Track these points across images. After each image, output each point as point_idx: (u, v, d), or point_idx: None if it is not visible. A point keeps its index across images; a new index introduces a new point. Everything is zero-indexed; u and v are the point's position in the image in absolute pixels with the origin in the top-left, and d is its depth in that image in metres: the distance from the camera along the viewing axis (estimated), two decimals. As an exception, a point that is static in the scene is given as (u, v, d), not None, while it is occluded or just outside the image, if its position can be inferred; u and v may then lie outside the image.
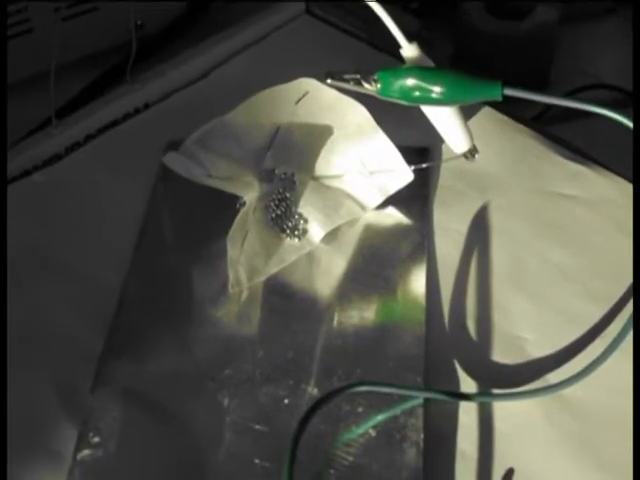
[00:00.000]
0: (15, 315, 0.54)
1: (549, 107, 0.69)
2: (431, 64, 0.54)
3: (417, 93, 0.52)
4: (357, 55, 0.69)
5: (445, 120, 0.56)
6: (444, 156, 0.61)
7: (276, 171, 0.58)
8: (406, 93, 0.52)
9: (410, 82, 0.52)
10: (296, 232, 0.56)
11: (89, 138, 0.66)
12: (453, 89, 0.51)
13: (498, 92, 0.51)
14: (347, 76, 0.53)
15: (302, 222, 0.56)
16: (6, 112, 0.63)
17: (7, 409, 0.47)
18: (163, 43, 0.77)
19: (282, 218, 0.56)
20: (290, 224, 0.56)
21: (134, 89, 0.69)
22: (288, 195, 0.57)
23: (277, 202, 0.56)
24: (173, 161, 0.60)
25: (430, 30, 0.75)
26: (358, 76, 0.53)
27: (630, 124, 0.50)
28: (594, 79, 0.74)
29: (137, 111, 0.68)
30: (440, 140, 0.59)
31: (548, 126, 0.66)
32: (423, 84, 0.52)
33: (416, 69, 0.53)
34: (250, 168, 0.59)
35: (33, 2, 0.71)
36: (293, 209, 0.56)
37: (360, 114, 0.57)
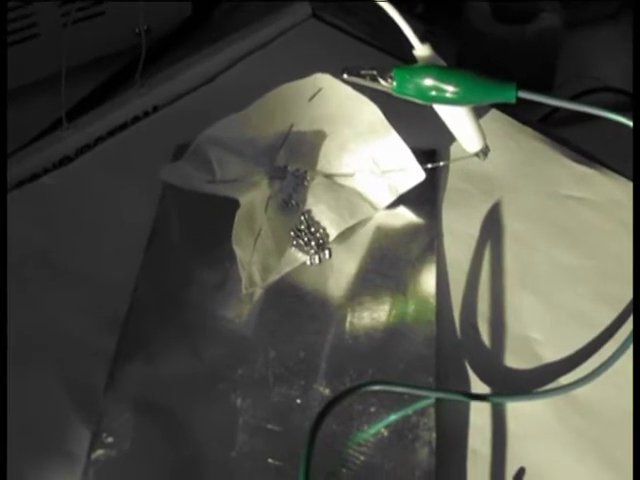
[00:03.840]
0: (25, 317, 0.54)
1: (554, 110, 0.70)
2: (444, 64, 0.54)
3: (432, 92, 0.52)
4: (363, 58, 0.69)
5: (458, 119, 0.56)
6: (453, 157, 0.61)
7: (288, 168, 0.59)
8: (421, 91, 0.53)
9: (426, 80, 0.52)
10: (318, 247, 0.56)
11: (99, 141, 0.66)
12: (468, 89, 0.52)
13: (512, 94, 0.51)
14: (363, 72, 0.53)
15: (321, 231, 0.56)
16: (6, 114, 0.63)
17: (8, 409, 0.47)
18: (169, 47, 0.78)
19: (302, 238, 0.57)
20: (308, 238, 0.56)
21: (143, 93, 0.69)
22: (310, 228, 0.57)
23: (300, 233, 0.57)
24: (169, 174, 0.60)
25: (435, 34, 0.76)
26: (374, 72, 0.53)
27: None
28: (597, 82, 0.74)
29: (146, 114, 0.69)
30: (447, 143, 0.60)
31: (553, 129, 0.66)
32: (438, 83, 0.52)
33: (433, 68, 0.53)
34: (261, 166, 0.59)
35: (40, 7, 0.71)
36: (309, 224, 0.57)
37: (373, 113, 0.58)
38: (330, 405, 0.45)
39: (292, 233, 0.56)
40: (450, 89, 0.52)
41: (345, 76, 0.54)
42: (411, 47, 0.54)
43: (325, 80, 0.59)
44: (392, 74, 0.53)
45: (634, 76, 0.59)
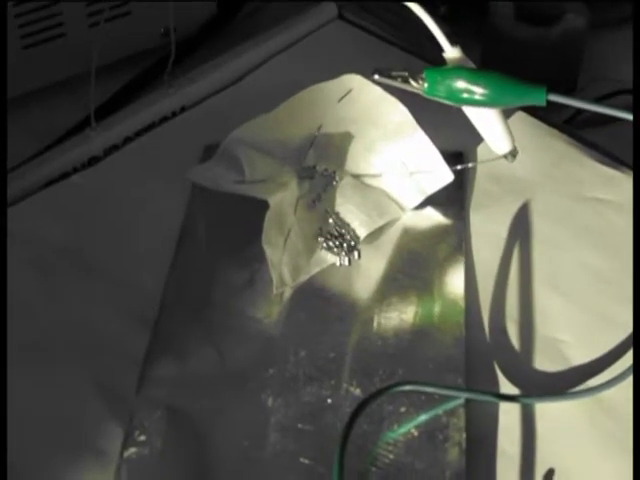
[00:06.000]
0: (54, 316, 0.54)
1: (579, 112, 0.70)
2: (473, 67, 0.54)
3: (463, 94, 0.53)
4: (390, 59, 0.70)
5: (487, 121, 0.56)
6: (481, 159, 0.61)
7: (317, 168, 0.59)
8: (452, 93, 0.53)
9: (457, 82, 0.53)
10: (348, 248, 0.56)
11: (127, 141, 0.67)
12: (498, 92, 0.52)
13: (542, 97, 0.51)
14: (394, 73, 0.54)
15: (351, 232, 0.56)
16: (6, 117, 0.63)
17: (40, 408, 0.49)
18: (194, 47, 0.78)
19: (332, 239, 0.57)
20: (337, 239, 0.56)
21: (170, 93, 0.69)
22: (340, 229, 0.57)
23: (329, 235, 0.57)
24: (198, 175, 0.60)
25: (458, 35, 0.76)
26: (406, 74, 0.53)
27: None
28: (620, 85, 0.74)
29: (174, 114, 0.69)
30: (475, 144, 0.60)
31: (578, 131, 0.67)
32: (469, 85, 0.53)
33: (464, 70, 0.53)
34: (290, 166, 0.59)
35: (66, 7, 0.71)
36: (343, 231, 0.57)
37: (401, 114, 0.58)
38: (362, 405, 0.45)
39: (321, 235, 0.56)
40: (480, 91, 0.52)
41: (376, 77, 0.54)
42: (440, 49, 0.55)
43: (355, 81, 0.59)
44: (423, 76, 0.53)
45: (634, 70, 0.59)
